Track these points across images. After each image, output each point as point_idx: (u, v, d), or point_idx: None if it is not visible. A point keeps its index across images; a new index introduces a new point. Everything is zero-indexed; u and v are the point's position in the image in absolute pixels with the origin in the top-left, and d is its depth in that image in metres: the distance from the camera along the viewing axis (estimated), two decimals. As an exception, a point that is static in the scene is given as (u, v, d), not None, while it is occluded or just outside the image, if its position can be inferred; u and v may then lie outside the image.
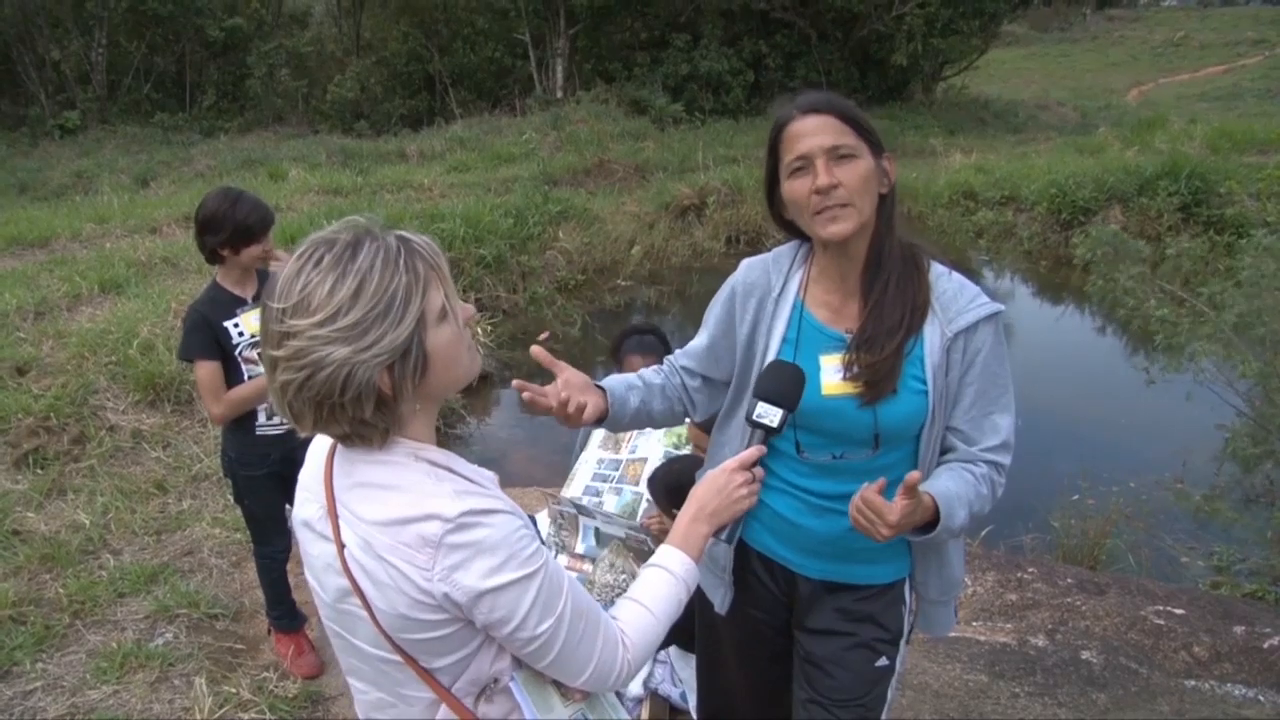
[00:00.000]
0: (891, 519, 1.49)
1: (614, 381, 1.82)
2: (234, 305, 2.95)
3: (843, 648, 1.84)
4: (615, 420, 1.79)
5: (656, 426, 2.20)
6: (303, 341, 1.11)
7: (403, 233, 1.19)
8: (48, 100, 18.26)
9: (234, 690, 3.19)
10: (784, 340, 1.76)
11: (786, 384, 1.62)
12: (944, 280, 1.71)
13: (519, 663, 1.26)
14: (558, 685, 1.29)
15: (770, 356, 1.75)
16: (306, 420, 1.17)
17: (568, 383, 1.66)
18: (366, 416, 1.16)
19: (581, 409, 1.66)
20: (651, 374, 1.91)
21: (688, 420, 2.25)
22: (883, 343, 1.64)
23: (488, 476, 1.25)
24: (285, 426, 3.05)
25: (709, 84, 18.79)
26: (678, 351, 1.97)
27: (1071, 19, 39.80)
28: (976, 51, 22.19)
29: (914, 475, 1.47)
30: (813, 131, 1.61)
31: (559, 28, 19.08)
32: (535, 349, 1.68)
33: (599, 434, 2.57)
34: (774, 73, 19.58)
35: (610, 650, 1.27)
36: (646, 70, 18.96)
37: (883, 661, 1.85)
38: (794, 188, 1.65)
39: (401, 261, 1.15)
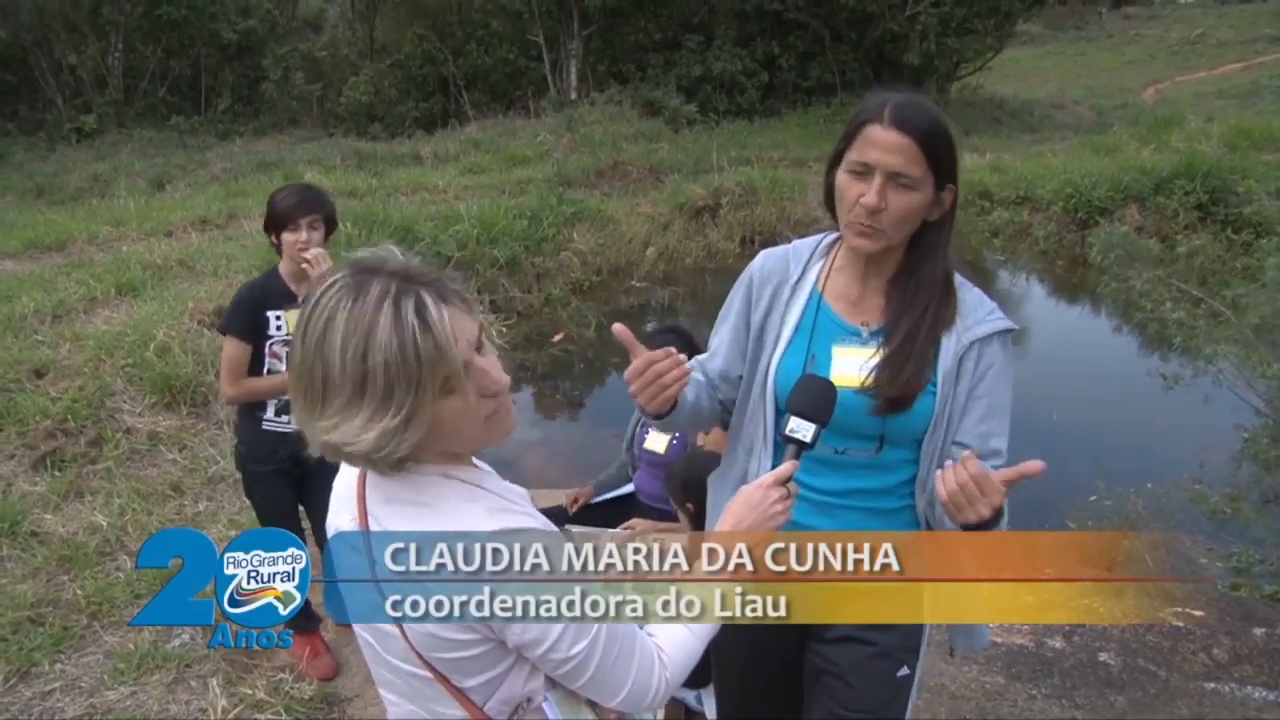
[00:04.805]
0: (1000, 482, 1.42)
1: None
2: (283, 300, 2.96)
3: (864, 656, 1.78)
4: (676, 414, 1.67)
5: (704, 428, 2.13)
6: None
7: (425, 295, 1.11)
8: (64, 104, 18.36)
9: (250, 691, 3.19)
10: (797, 329, 1.73)
11: (820, 398, 1.55)
12: (964, 290, 1.72)
13: (553, 682, 1.23)
14: (592, 705, 1.26)
15: (782, 344, 1.73)
16: None
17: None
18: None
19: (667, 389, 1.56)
20: (697, 372, 1.82)
21: None
22: (911, 380, 1.64)
23: (519, 493, 1.23)
24: (293, 426, 3.05)
25: (723, 85, 18.72)
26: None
27: (1087, 17, 39.46)
28: (991, 51, 21.99)
29: (1035, 466, 1.42)
30: (888, 147, 1.56)
31: (573, 29, 19.08)
32: (618, 327, 1.55)
33: None
34: (788, 73, 19.51)
35: (646, 669, 1.25)
36: (660, 71, 18.91)
37: (904, 671, 1.79)
38: (847, 184, 1.63)
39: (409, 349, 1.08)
